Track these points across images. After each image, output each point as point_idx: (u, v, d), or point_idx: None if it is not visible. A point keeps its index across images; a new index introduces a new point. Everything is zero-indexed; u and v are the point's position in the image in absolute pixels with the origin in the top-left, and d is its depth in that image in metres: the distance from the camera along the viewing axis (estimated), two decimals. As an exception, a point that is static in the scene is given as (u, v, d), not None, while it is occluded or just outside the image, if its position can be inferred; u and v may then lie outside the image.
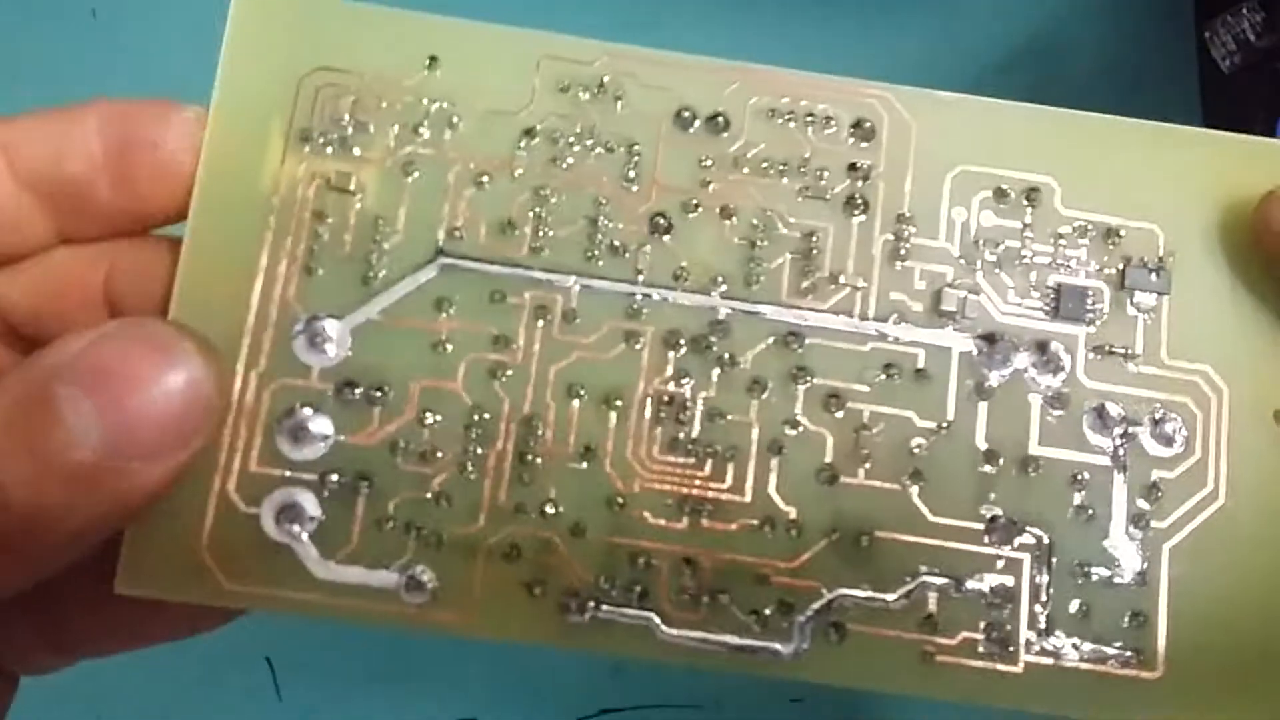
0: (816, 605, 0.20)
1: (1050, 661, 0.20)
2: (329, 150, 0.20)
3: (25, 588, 0.18)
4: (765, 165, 0.21)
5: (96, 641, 0.21)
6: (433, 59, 0.21)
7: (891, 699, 0.43)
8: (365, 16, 0.21)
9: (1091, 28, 0.45)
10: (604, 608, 0.19)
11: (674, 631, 0.19)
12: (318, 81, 0.21)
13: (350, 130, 0.20)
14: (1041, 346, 0.21)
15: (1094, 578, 0.20)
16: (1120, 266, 0.21)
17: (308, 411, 0.19)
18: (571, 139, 0.21)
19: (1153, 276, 0.21)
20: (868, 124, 0.21)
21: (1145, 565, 0.20)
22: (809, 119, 0.21)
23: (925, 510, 0.20)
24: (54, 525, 0.17)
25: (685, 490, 0.20)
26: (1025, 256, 0.21)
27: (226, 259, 0.20)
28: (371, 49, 0.21)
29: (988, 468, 0.20)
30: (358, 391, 0.20)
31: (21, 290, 0.20)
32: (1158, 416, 0.21)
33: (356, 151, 0.20)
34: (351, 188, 0.20)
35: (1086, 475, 0.20)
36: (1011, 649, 0.20)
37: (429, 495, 0.19)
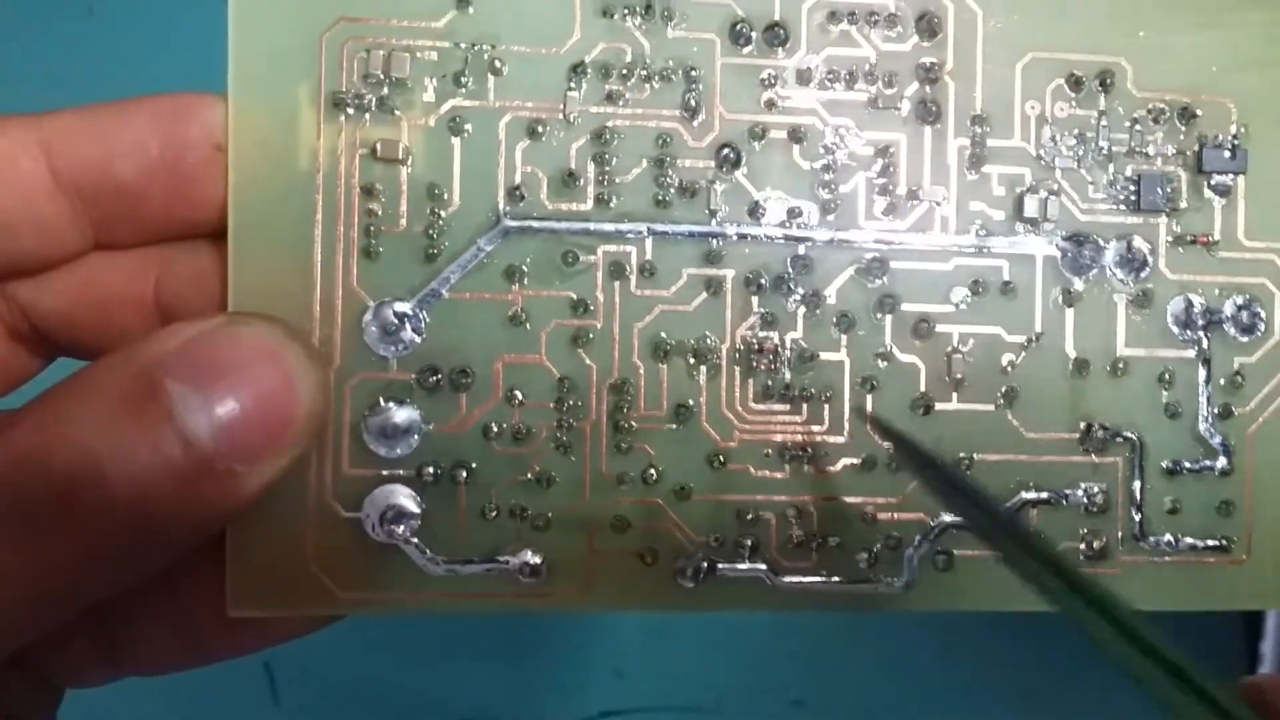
0: (922, 536, 0.34)
1: (1146, 560, 0.35)
2: (366, 116, 0.32)
3: (115, 593, 0.30)
4: (830, 77, 0.34)
5: (154, 659, 0.33)
6: (462, -7, 0.32)
7: (899, 700, 0.64)
8: (379, -49, 0.32)
9: None
10: (718, 567, 0.33)
11: (788, 580, 0.34)
12: (340, 36, 0.31)
13: (385, 90, 0.32)
14: (1125, 244, 0.35)
15: (1184, 473, 0.35)
16: (1196, 148, 0.36)
17: (392, 406, 0.32)
18: (624, 71, 0.33)
19: (1228, 156, 0.36)
20: (933, 18, 0.34)
21: (1231, 454, 0.36)
22: (871, 18, 0.34)
23: (1020, 428, 0.35)
24: (157, 526, 0.28)
25: (784, 438, 0.34)
26: (1102, 147, 0.35)
27: (278, 252, 0.31)
28: (393, -11, 0.32)
29: (1078, 377, 0.35)
30: (440, 378, 0.32)
31: (58, 298, 0.31)
32: (1239, 303, 0.36)
33: (396, 113, 0.32)
34: (399, 155, 0.32)
35: (1172, 371, 0.35)
36: (1110, 553, 0.35)
37: (529, 477, 0.32)
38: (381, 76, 0.32)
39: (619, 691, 0.60)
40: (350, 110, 0.32)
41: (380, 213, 0.32)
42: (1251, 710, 0.24)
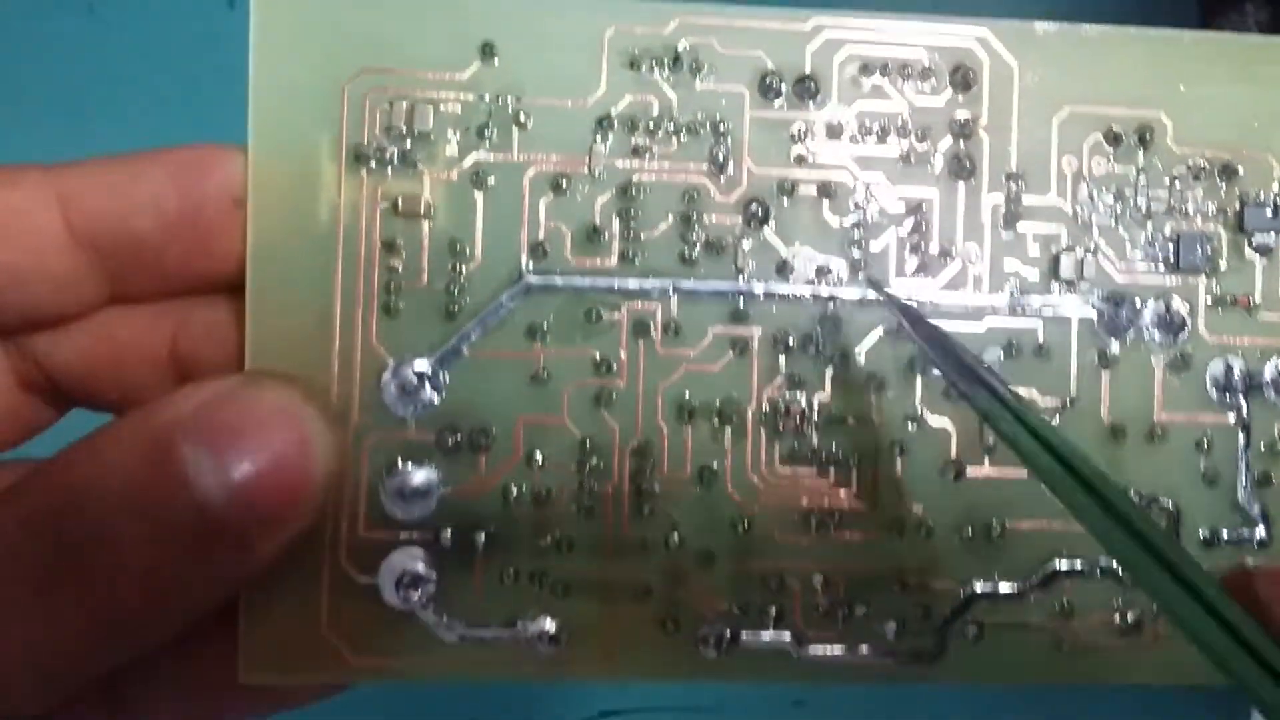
0: (953, 606, 0.36)
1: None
2: (388, 169, 0.34)
3: (124, 661, 0.31)
4: (861, 132, 0.36)
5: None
6: (487, 45, 0.34)
7: (899, 700, 0.69)
8: (403, 2, 0.34)
9: (1095, 25, 0.69)
10: (742, 635, 0.35)
11: (813, 651, 0.36)
12: (363, 87, 0.34)
13: (408, 143, 0.34)
14: (1163, 304, 0.37)
15: (1221, 543, 0.37)
16: (1237, 206, 0.38)
17: (410, 466, 0.34)
18: (650, 124, 0.35)
19: (1270, 214, 0.38)
20: (968, 71, 0.37)
21: (1270, 524, 0.37)
22: (904, 71, 0.37)
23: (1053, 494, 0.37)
24: (171, 592, 0.30)
25: (810, 502, 0.36)
26: (1140, 205, 0.37)
27: (296, 307, 0.33)
28: (416, 39, 0.34)
29: (1113, 442, 0.37)
30: (459, 438, 0.34)
31: (72, 351, 0.33)
32: (1279, 367, 0.38)
33: (419, 166, 0.34)
34: (421, 210, 0.34)
35: (1210, 437, 0.37)
36: (1144, 626, 0.37)
37: (549, 540, 0.34)
38: (404, 129, 0.34)
39: (619, 692, 0.65)
40: (372, 164, 0.34)
41: (401, 268, 0.34)
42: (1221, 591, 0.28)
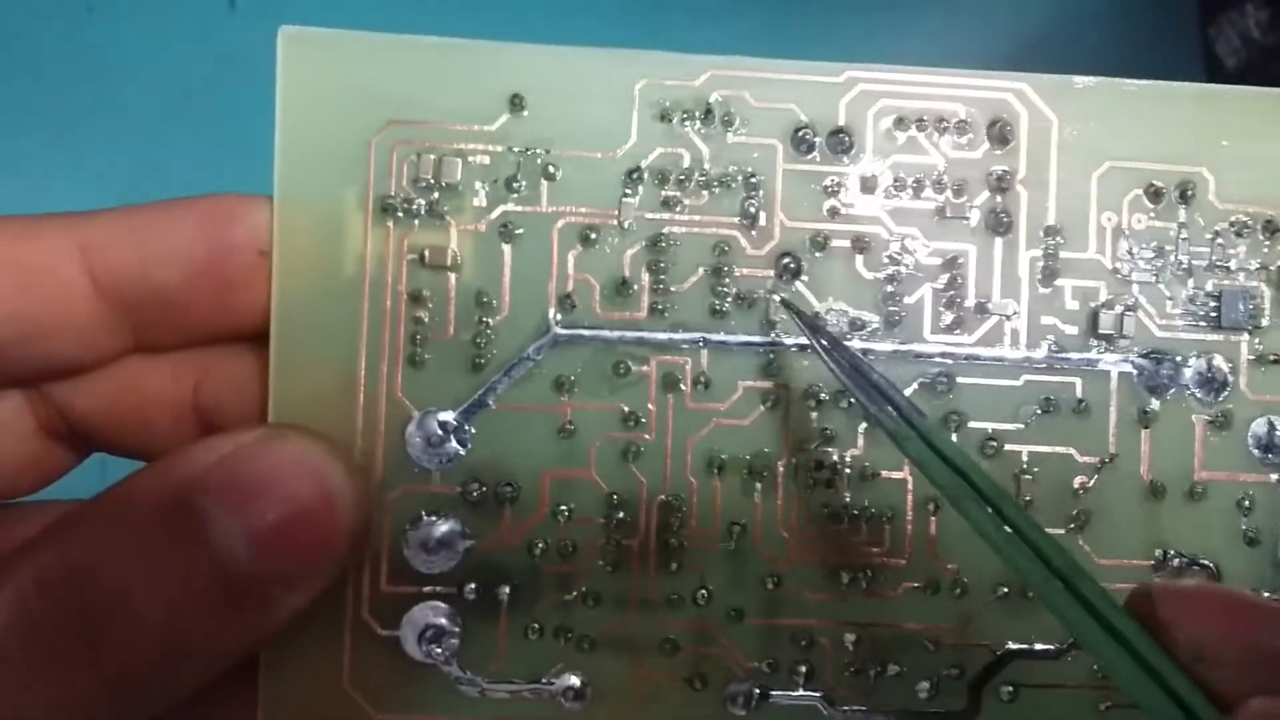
0: (987, 665, 0.35)
1: None
2: (415, 221, 0.33)
3: None
4: (896, 185, 0.36)
5: None
6: (516, 97, 0.34)
7: None
8: (430, 53, 0.34)
9: (1095, 26, 0.71)
10: (771, 694, 0.35)
11: (844, 710, 0.35)
12: (390, 139, 0.33)
13: (435, 194, 0.34)
14: (1205, 362, 0.37)
15: None
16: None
17: (434, 519, 0.33)
18: (681, 176, 0.34)
19: None
20: (1005, 125, 0.36)
21: None
22: (940, 125, 0.36)
23: (1092, 553, 0.36)
24: (189, 653, 0.29)
25: (842, 559, 0.35)
26: (1181, 261, 0.36)
27: (321, 358, 0.33)
28: (444, 92, 0.33)
29: (1153, 501, 0.36)
30: (484, 490, 0.33)
31: (94, 400, 0.33)
32: (1326, 425, 0.37)
33: (446, 217, 0.33)
34: (447, 262, 0.33)
35: (1252, 496, 0.36)
36: (1186, 687, 0.36)
37: (574, 595, 0.34)
38: (431, 181, 0.33)
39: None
40: (399, 215, 0.33)
41: (427, 320, 0.33)
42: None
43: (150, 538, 0.29)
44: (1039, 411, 0.35)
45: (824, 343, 0.33)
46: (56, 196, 0.62)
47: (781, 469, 0.35)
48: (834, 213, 0.35)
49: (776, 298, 0.35)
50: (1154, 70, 0.69)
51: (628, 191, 0.34)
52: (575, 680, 0.34)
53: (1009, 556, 0.29)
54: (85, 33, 0.64)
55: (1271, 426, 0.36)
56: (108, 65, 0.63)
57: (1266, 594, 0.35)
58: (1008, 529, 0.29)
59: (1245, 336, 0.36)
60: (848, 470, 0.35)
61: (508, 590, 0.34)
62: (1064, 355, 0.35)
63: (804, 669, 0.34)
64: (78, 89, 0.64)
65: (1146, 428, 0.35)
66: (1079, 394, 0.35)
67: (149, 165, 0.62)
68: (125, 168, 0.62)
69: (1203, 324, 0.36)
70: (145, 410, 0.33)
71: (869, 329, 0.35)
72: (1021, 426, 0.35)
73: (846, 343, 0.34)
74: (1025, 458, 0.35)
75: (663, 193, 0.34)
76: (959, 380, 0.35)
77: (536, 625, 0.34)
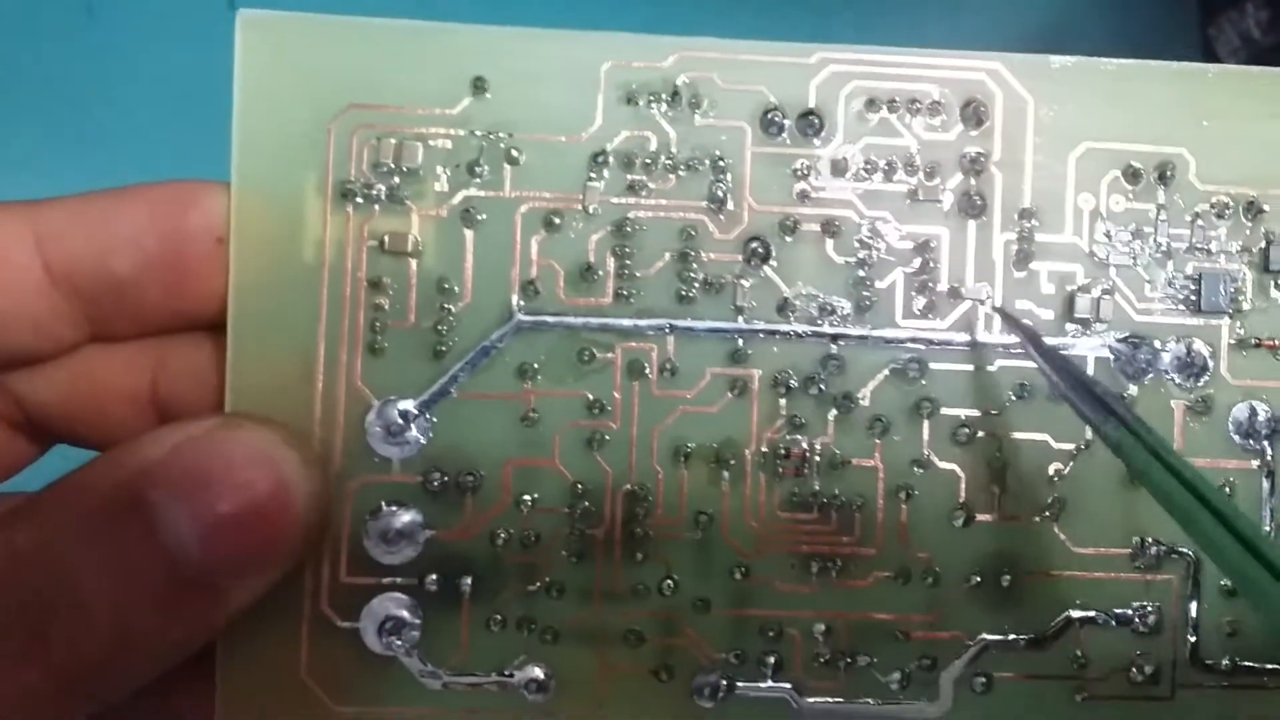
0: (961, 657, 0.35)
1: (1202, 685, 0.35)
2: (375, 206, 0.33)
3: (94, 713, 0.31)
4: (867, 168, 0.35)
5: None
6: (479, 80, 0.33)
7: None
8: (391, 36, 0.33)
9: (1094, 25, 0.71)
10: (738, 685, 0.34)
11: (814, 701, 0.34)
12: (350, 123, 0.33)
13: (396, 179, 0.33)
14: (1184, 346, 0.36)
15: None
16: (1262, 245, 0.36)
17: (395, 509, 0.33)
18: (648, 160, 0.33)
19: None
20: (980, 106, 0.35)
21: None
22: (913, 106, 0.35)
23: (1068, 542, 0.35)
24: (138, 646, 0.29)
25: (811, 548, 0.34)
26: (1161, 244, 0.35)
27: (279, 347, 0.32)
28: (406, 75, 0.33)
29: (1131, 488, 0.35)
30: (445, 480, 0.33)
31: (51, 389, 0.32)
32: (1308, 411, 0.36)
33: (407, 203, 0.33)
34: (408, 248, 0.33)
35: (1233, 483, 0.35)
36: (1162, 678, 0.35)
37: (538, 586, 0.33)
38: (392, 165, 0.33)
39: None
40: (359, 200, 0.33)
41: (387, 307, 0.33)
42: None
43: (99, 529, 0.28)
44: (1013, 397, 0.34)
45: (1041, 352, 0.33)
46: (57, 196, 0.63)
47: (750, 457, 0.34)
48: (804, 196, 0.34)
49: (989, 306, 0.34)
50: (1154, 70, 0.68)
51: (593, 175, 0.33)
52: (539, 672, 0.33)
53: (1241, 574, 0.27)
54: (85, 33, 0.64)
55: (1253, 411, 0.35)
56: (108, 65, 0.63)
57: (1246, 583, 0.35)
58: (1252, 553, 0.27)
59: (1226, 320, 0.35)
60: (817, 459, 0.34)
61: (470, 581, 0.33)
62: (1039, 339, 0.34)
63: (773, 660, 0.34)
64: (78, 89, 0.64)
65: (1124, 414, 0.35)
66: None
67: (149, 165, 0.61)
68: (125, 168, 0.61)
69: (1182, 308, 0.35)
70: (103, 400, 0.33)
71: (840, 314, 0.34)
72: (995, 413, 0.34)
73: (1063, 353, 0.34)
74: (999, 445, 0.34)
75: (628, 177, 0.34)
76: (931, 366, 0.34)
77: (499, 616, 0.33)
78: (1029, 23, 0.71)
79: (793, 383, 0.34)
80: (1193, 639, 0.35)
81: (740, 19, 0.69)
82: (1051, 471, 0.34)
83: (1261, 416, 0.35)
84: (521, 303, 0.33)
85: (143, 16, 0.64)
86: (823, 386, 0.34)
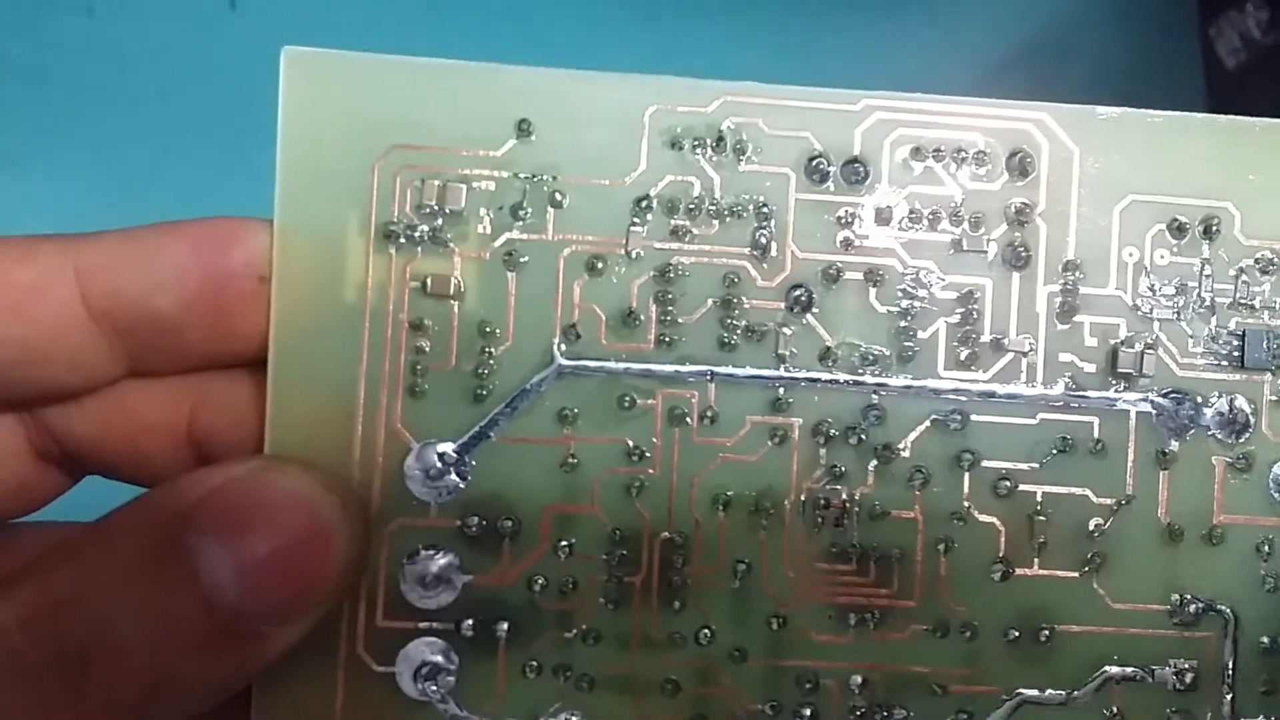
0: (997, 712, 0.34)
1: None
2: (418, 248, 0.32)
3: None
4: (911, 217, 0.34)
5: None
6: (524, 122, 0.32)
7: None
8: (436, 76, 0.32)
9: (1094, 26, 0.70)
10: (773, 737, 0.33)
11: (849, 754, 0.34)
12: (394, 164, 0.32)
13: (439, 221, 0.32)
14: (1226, 402, 0.35)
15: None
16: (1307, 301, 0.35)
17: (432, 553, 0.32)
18: (691, 205, 0.33)
19: None
20: (1026, 156, 0.34)
21: None
22: (958, 155, 0.34)
23: (1106, 597, 0.34)
24: (176, 691, 0.28)
25: (849, 600, 0.33)
26: (1204, 298, 0.35)
27: (319, 388, 0.31)
28: (450, 116, 0.32)
29: (1170, 544, 0.34)
30: (483, 524, 0.32)
31: (88, 424, 0.32)
32: (1350, 469, 0.35)
33: (450, 244, 0.32)
34: (449, 291, 0.32)
35: (1272, 540, 0.34)
36: (1199, 734, 0.35)
37: (574, 633, 0.32)
38: (435, 207, 0.32)
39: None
40: (401, 241, 0.32)
41: (428, 349, 0.32)
42: None
43: (138, 571, 0.28)
44: (1055, 451, 0.33)
45: None
46: (57, 196, 0.62)
47: (789, 507, 0.33)
48: (847, 244, 0.33)
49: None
50: (1154, 70, 0.68)
51: (636, 220, 0.33)
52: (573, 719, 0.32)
53: None
54: (85, 33, 0.63)
55: (1292, 470, 0.34)
56: (108, 65, 0.62)
57: (1285, 642, 0.34)
58: None
59: (1268, 377, 0.34)
60: (856, 509, 0.33)
61: (506, 627, 0.32)
62: (1082, 393, 0.34)
63: (808, 712, 0.33)
64: (78, 89, 0.63)
65: (1165, 469, 0.34)
66: (1096, 433, 0.34)
67: (149, 165, 0.61)
68: (125, 168, 0.61)
69: (1225, 364, 0.34)
70: (139, 435, 0.32)
71: (882, 364, 0.33)
72: (1036, 466, 0.34)
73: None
74: (1040, 498, 0.34)
75: (672, 221, 0.33)
76: (973, 418, 0.33)
77: (535, 663, 0.32)
78: (1030, 23, 0.70)
79: (833, 432, 0.33)
80: (1229, 696, 0.34)
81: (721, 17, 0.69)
82: (1091, 526, 0.34)
83: (1303, 473, 0.34)
84: (563, 347, 0.32)
85: (143, 16, 0.62)
86: (863, 436, 0.33)
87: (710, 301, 0.33)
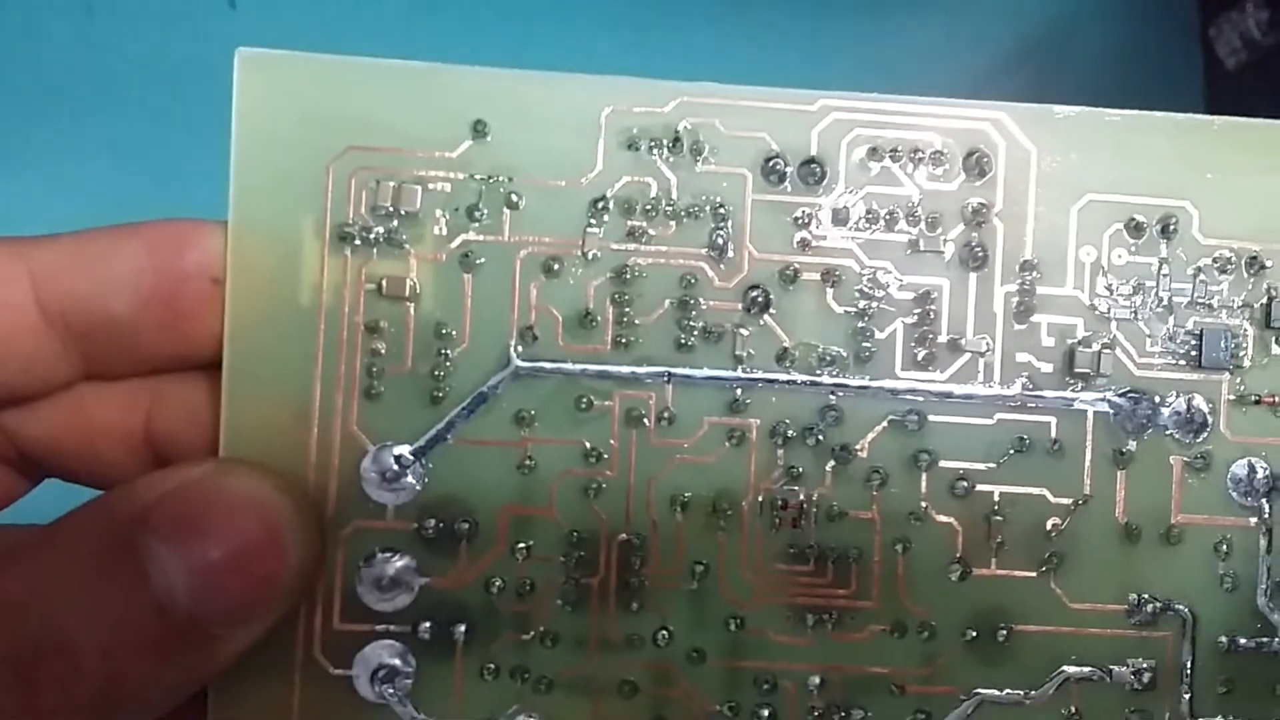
0: (955, 712, 0.34)
1: None
2: (373, 249, 0.32)
3: None
4: (868, 217, 0.34)
5: None
6: (479, 123, 0.32)
7: None
8: (392, 77, 0.32)
9: (1093, 26, 0.70)
10: (731, 738, 0.33)
11: (807, 755, 0.34)
12: (349, 165, 0.32)
13: (395, 222, 0.32)
14: (1184, 402, 0.35)
15: (1239, 650, 0.34)
16: (1264, 301, 0.35)
17: (389, 555, 0.32)
18: (648, 206, 0.33)
19: None
20: (983, 156, 0.34)
21: None
22: (915, 155, 0.34)
23: (1064, 597, 0.34)
24: (128, 694, 0.28)
25: (807, 600, 0.33)
26: (1162, 298, 0.35)
27: (274, 390, 0.31)
28: (406, 117, 0.32)
29: (1128, 544, 0.34)
30: (440, 526, 0.32)
31: (43, 426, 0.31)
32: (1307, 468, 0.35)
33: (405, 246, 0.32)
34: (405, 293, 0.32)
35: (1230, 540, 0.34)
36: (1158, 734, 0.35)
37: (532, 635, 0.32)
38: (391, 208, 0.32)
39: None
40: (356, 243, 0.32)
41: (384, 351, 0.32)
42: None
43: (90, 575, 0.27)
44: (1012, 451, 0.33)
45: None
46: (57, 196, 0.61)
47: (746, 507, 0.33)
48: (804, 245, 0.33)
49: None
50: (1154, 70, 0.67)
51: (593, 221, 0.33)
52: (531, 721, 0.32)
53: None
54: (85, 33, 0.63)
55: (1251, 469, 0.34)
56: (108, 65, 0.62)
57: (1243, 640, 0.34)
58: None
59: (1226, 376, 0.34)
60: (814, 510, 0.33)
61: (463, 629, 0.32)
62: (1039, 393, 0.33)
63: (766, 712, 0.33)
64: (78, 89, 0.63)
65: (1122, 469, 0.34)
66: (1053, 433, 0.34)
67: (149, 165, 0.61)
68: (125, 168, 0.61)
69: (1182, 363, 0.34)
70: (96, 438, 0.32)
71: (839, 364, 0.33)
72: (994, 466, 0.33)
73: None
74: (997, 498, 0.33)
75: (628, 223, 0.33)
76: (930, 418, 0.33)
77: (492, 665, 0.32)
78: (1030, 23, 0.70)
79: (791, 433, 0.33)
80: (1188, 696, 0.34)
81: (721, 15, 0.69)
82: (1049, 526, 0.33)
83: (1260, 474, 0.34)
84: (520, 349, 0.32)
85: (143, 16, 0.62)
86: (821, 437, 0.33)
87: (667, 302, 0.33)
